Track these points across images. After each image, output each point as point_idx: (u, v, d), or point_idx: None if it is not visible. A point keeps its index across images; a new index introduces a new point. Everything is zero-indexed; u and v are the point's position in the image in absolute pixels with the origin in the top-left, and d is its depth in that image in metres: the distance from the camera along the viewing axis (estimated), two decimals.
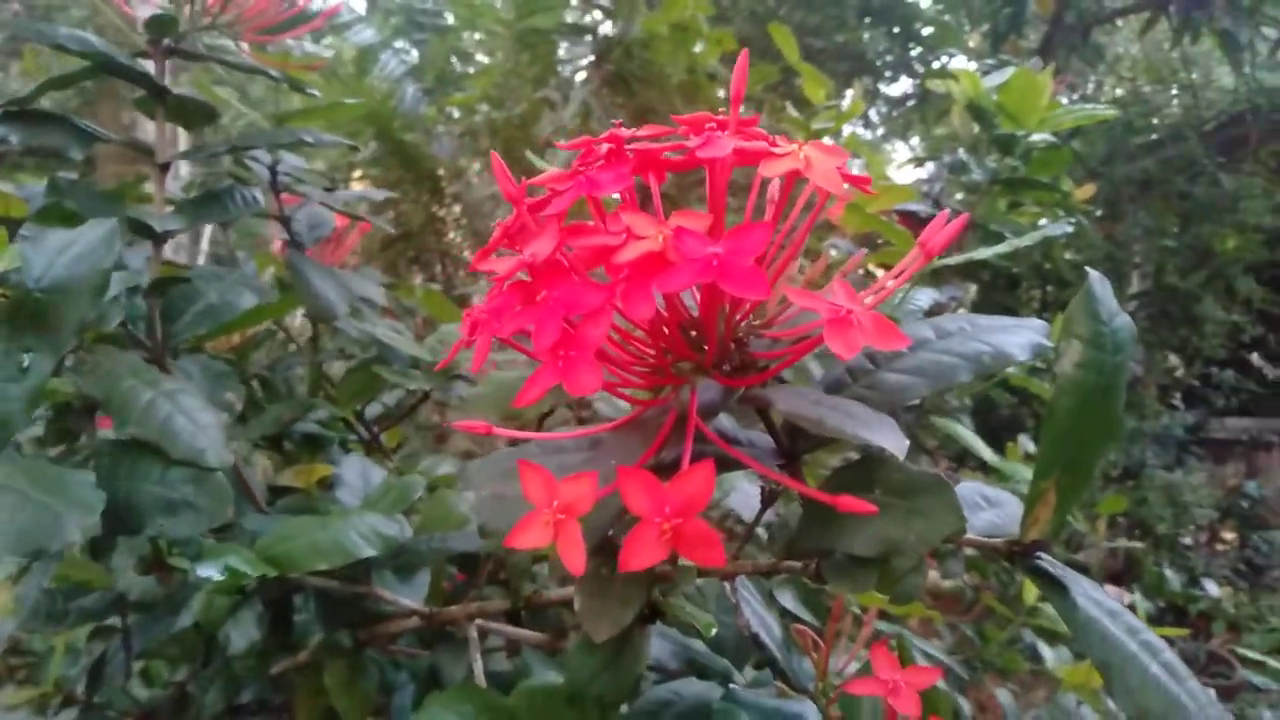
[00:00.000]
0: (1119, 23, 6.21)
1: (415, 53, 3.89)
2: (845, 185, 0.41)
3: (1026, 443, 2.10)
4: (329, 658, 0.89)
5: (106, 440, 0.66)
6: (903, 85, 6.87)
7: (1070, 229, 1.46)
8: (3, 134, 0.75)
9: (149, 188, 1.14)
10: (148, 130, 2.61)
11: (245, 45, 0.95)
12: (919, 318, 1.18)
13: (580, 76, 3.49)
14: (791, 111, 2.11)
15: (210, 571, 0.62)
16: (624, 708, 0.67)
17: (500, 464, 0.50)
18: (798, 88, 2.13)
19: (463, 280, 3.76)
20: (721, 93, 3.00)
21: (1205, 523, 5.01)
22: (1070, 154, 1.89)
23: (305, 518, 0.75)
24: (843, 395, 0.48)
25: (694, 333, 0.44)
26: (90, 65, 0.80)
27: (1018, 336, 0.50)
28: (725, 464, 0.46)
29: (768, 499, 0.56)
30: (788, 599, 0.83)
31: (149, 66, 0.87)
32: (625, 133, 0.42)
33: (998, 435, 2.38)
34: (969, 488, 0.58)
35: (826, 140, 2.06)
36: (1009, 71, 1.73)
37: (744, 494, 0.60)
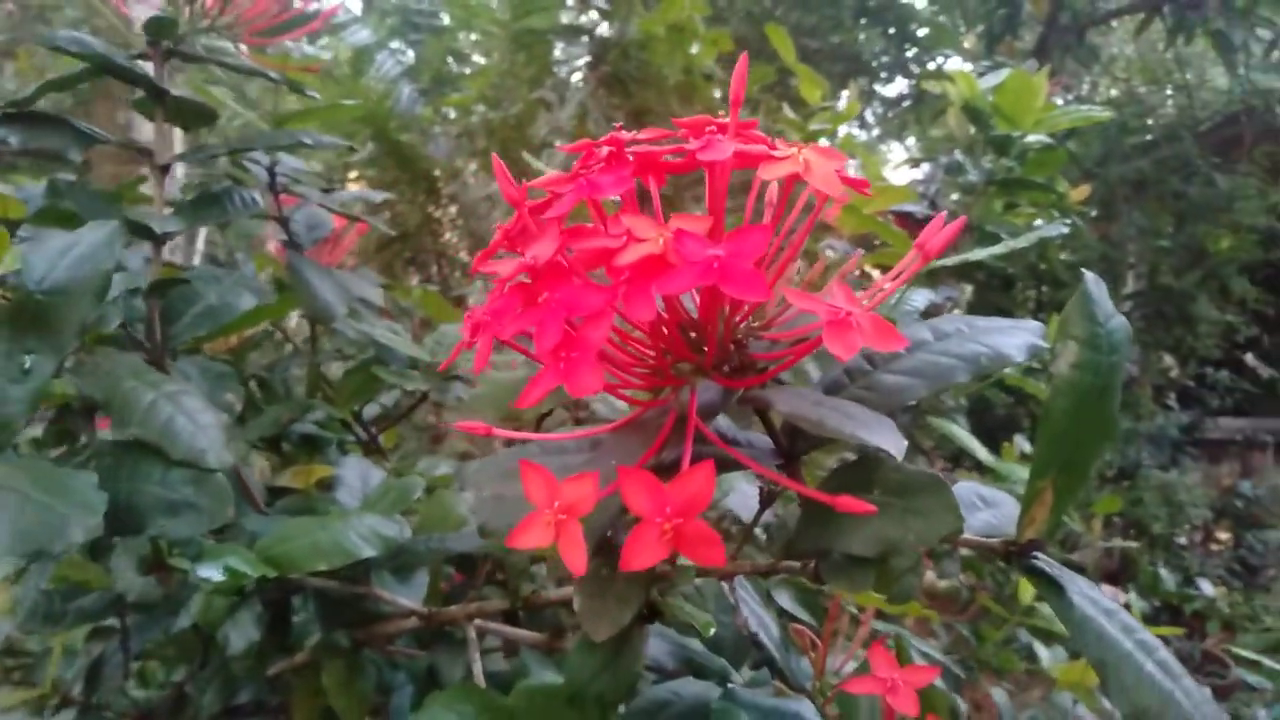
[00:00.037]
0: (1114, 24, 6.22)
1: (411, 53, 3.88)
2: (844, 188, 0.41)
3: (1022, 443, 2.11)
4: (327, 658, 0.89)
5: (107, 441, 0.66)
6: (898, 86, 6.88)
7: (1066, 230, 1.47)
8: (2, 135, 0.75)
9: (145, 189, 1.14)
10: (144, 130, 2.60)
11: (244, 47, 0.96)
12: (915, 318, 1.19)
13: (576, 77, 3.49)
14: (788, 112, 2.12)
15: (211, 572, 0.62)
16: (621, 708, 0.68)
17: (501, 465, 0.50)
18: (794, 88, 2.13)
19: (458, 281, 3.76)
20: (717, 93, 3.00)
21: (1200, 522, 5.03)
22: (1065, 155, 1.90)
23: (305, 518, 0.75)
24: (841, 396, 0.49)
25: (693, 334, 0.45)
26: (90, 67, 0.81)
27: (1015, 338, 0.51)
28: (724, 464, 0.46)
29: (766, 499, 0.56)
30: (785, 599, 0.84)
31: (148, 68, 0.87)
32: (626, 136, 0.43)
33: (993, 435, 2.38)
34: (966, 488, 0.59)
35: (823, 141, 2.07)
36: (1004, 73, 1.74)
37: (742, 494, 0.60)
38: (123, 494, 0.60)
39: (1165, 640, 0.52)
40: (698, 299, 0.44)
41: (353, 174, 3.38)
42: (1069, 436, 0.50)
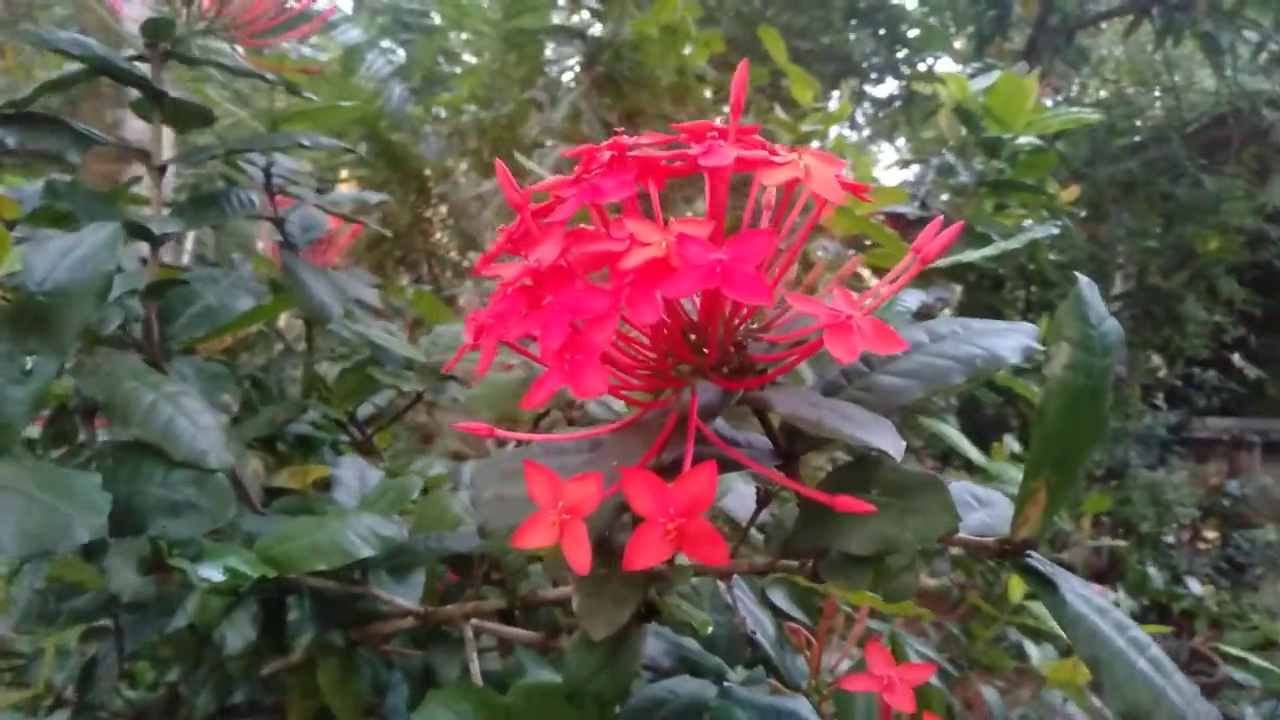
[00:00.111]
0: (1103, 25, 6.26)
1: (402, 52, 3.88)
2: (844, 193, 0.42)
3: (1011, 442, 2.12)
4: (322, 657, 0.89)
5: (108, 442, 0.66)
6: (888, 87, 6.90)
7: (1056, 231, 1.48)
8: (1, 136, 0.75)
9: (138, 189, 1.14)
10: (134, 129, 2.59)
11: (240, 49, 0.96)
12: (908, 319, 1.19)
13: (568, 77, 3.49)
14: (779, 113, 2.13)
15: (211, 572, 0.63)
16: (617, 706, 0.68)
17: (502, 465, 0.51)
18: (785, 89, 2.14)
19: (449, 281, 3.76)
20: (708, 93, 3.01)
21: (1187, 521, 5.06)
22: (1055, 156, 1.91)
23: (304, 518, 0.75)
24: (839, 397, 0.49)
25: (693, 336, 0.45)
26: (87, 68, 0.81)
27: (1010, 340, 0.51)
28: (724, 465, 0.46)
29: (763, 499, 0.57)
30: (779, 598, 0.84)
31: (145, 69, 0.87)
32: (628, 140, 0.43)
33: (983, 434, 2.39)
34: (960, 487, 0.59)
35: (815, 144, 2.07)
36: (995, 75, 1.75)
37: (740, 494, 0.61)
38: (124, 494, 0.61)
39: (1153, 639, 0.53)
40: (698, 302, 0.45)
41: (344, 174, 3.38)
42: (1062, 437, 0.50)
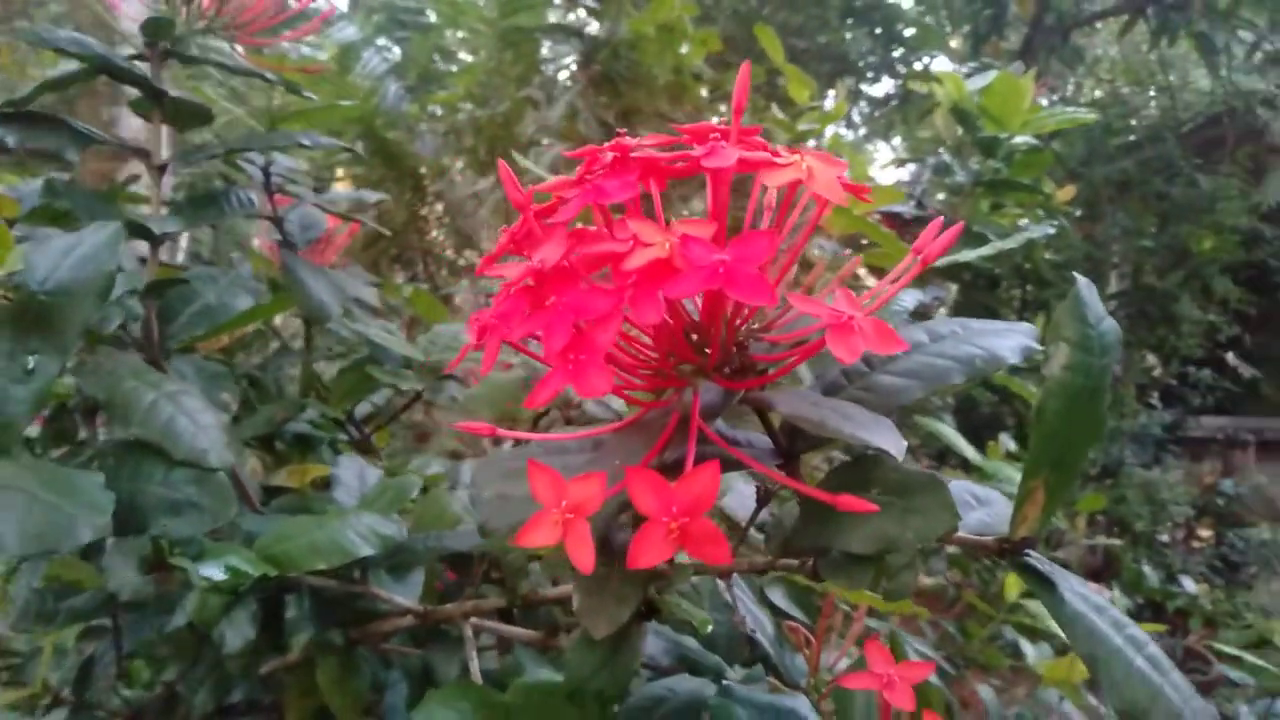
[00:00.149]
0: (1098, 25, 6.27)
1: (397, 50, 3.87)
2: (846, 195, 0.42)
3: (1007, 441, 2.13)
4: (321, 656, 0.89)
5: (109, 441, 0.66)
6: (884, 86, 6.91)
7: (1053, 231, 1.49)
8: (1, 135, 0.75)
9: (136, 187, 1.14)
10: (130, 127, 2.58)
11: (240, 48, 0.96)
12: (905, 318, 1.20)
13: (563, 76, 3.49)
14: (776, 112, 2.13)
15: (213, 571, 0.63)
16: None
17: (504, 464, 0.51)
18: (781, 88, 2.14)
19: (445, 279, 3.76)
20: (704, 92, 3.01)
21: (1182, 520, 5.07)
22: (1051, 156, 1.92)
23: (304, 517, 0.75)
24: (839, 397, 0.50)
25: (695, 336, 0.45)
26: (87, 68, 0.81)
27: (1009, 340, 0.51)
28: (725, 464, 0.47)
29: (763, 499, 0.57)
30: (778, 596, 0.84)
31: (144, 68, 0.87)
32: (630, 141, 0.43)
33: (979, 433, 2.40)
34: (959, 486, 0.60)
35: (810, 142, 2.08)
36: (992, 75, 1.75)
37: (739, 494, 0.61)
38: (125, 493, 0.61)
39: None
40: (699, 302, 0.45)
41: (339, 172, 3.38)
42: (1060, 436, 0.51)
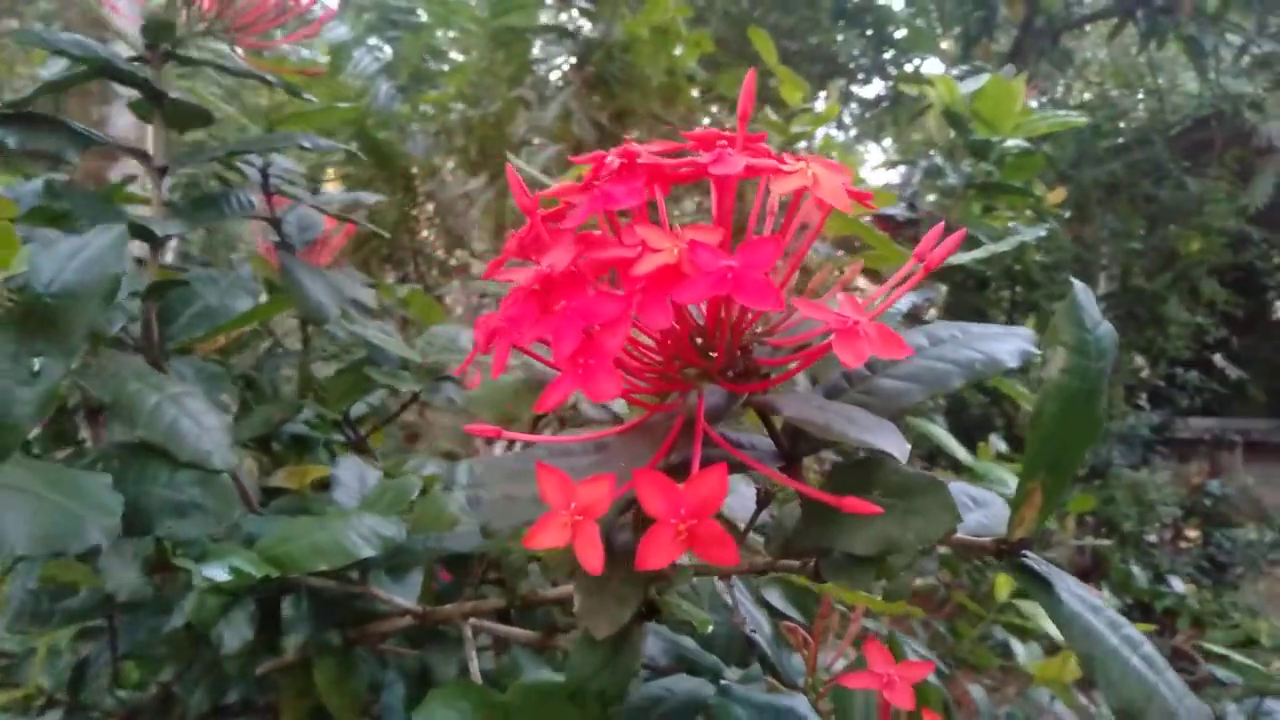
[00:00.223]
0: (1087, 28, 6.30)
1: (388, 50, 3.86)
2: (851, 202, 0.42)
3: (997, 442, 2.14)
4: (319, 656, 0.89)
5: (114, 443, 0.67)
6: (875, 87, 6.92)
7: (1044, 233, 1.50)
8: (1, 136, 0.75)
9: (133, 188, 1.14)
10: (119, 126, 2.57)
11: (240, 50, 0.96)
12: (898, 320, 1.21)
13: (555, 76, 3.49)
14: (769, 114, 2.13)
15: (217, 572, 0.63)
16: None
17: (509, 466, 0.51)
18: (773, 90, 2.15)
19: (435, 279, 3.75)
20: (695, 93, 3.02)
21: (1170, 521, 5.10)
22: (1043, 159, 1.93)
23: (305, 519, 0.75)
24: (841, 400, 0.50)
25: (699, 340, 0.46)
26: (88, 69, 0.81)
27: (1008, 344, 0.52)
28: (729, 467, 0.47)
29: (763, 500, 0.57)
30: (775, 597, 0.85)
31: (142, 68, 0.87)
32: (637, 147, 0.44)
33: (969, 434, 2.41)
34: (957, 488, 0.60)
35: (802, 144, 2.08)
36: (984, 78, 1.76)
37: (740, 495, 0.62)
38: (130, 495, 0.61)
39: None
40: (703, 307, 0.46)
41: (329, 172, 3.37)
42: (1057, 439, 0.51)
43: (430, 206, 3.75)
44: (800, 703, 0.67)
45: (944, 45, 6.39)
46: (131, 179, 1.13)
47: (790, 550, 0.53)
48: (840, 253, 1.93)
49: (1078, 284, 0.52)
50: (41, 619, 0.92)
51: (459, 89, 3.36)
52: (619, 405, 0.89)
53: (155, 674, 1.08)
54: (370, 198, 1.20)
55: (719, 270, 0.37)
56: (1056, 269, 4.97)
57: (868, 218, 1.80)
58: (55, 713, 1.07)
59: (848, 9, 6.27)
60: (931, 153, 2.10)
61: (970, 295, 4.75)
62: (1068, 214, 5.23)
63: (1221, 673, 2.06)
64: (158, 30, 0.83)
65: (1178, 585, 4.14)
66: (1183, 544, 5.22)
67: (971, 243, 1.72)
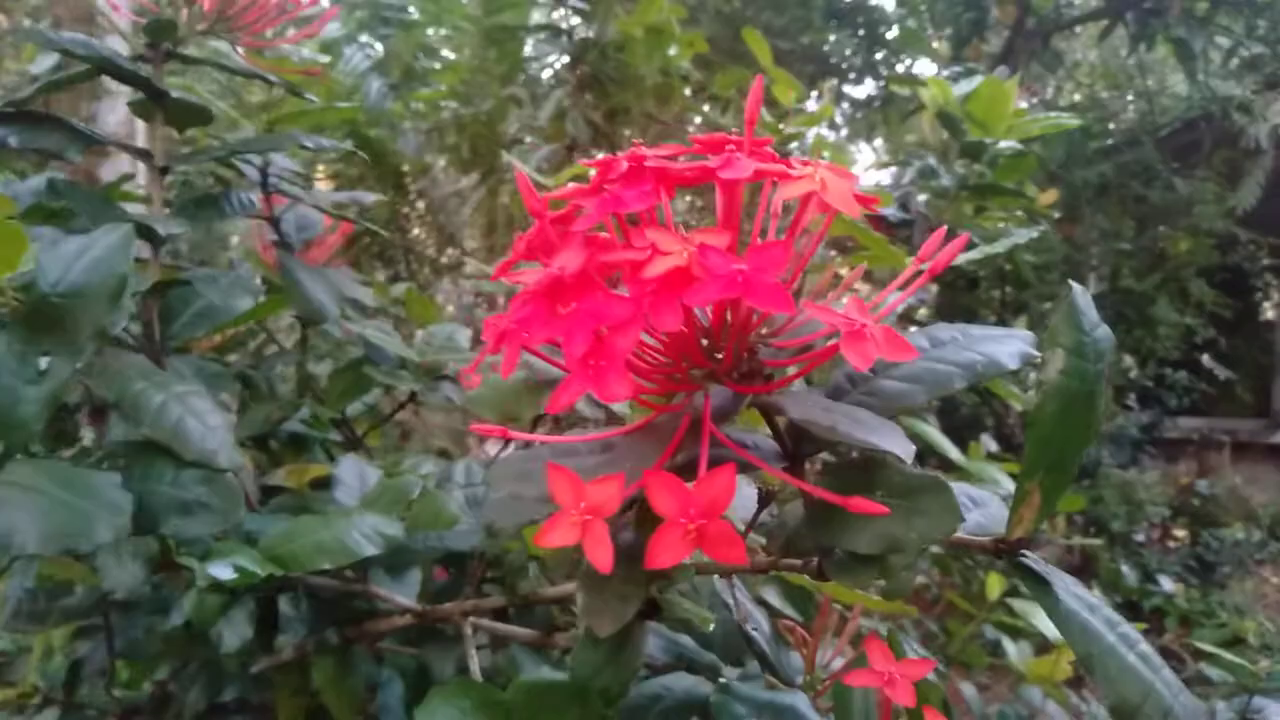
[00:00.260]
0: (1078, 29, 6.33)
1: (380, 47, 3.85)
2: (859, 206, 0.43)
3: (989, 442, 2.15)
4: (318, 655, 0.90)
5: (119, 442, 0.67)
6: (866, 87, 6.93)
7: (1037, 234, 1.50)
8: (2, 135, 0.75)
9: (130, 187, 1.14)
10: (109, 123, 2.57)
11: (241, 49, 0.96)
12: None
13: (547, 75, 3.49)
14: (763, 114, 2.14)
15: (222, 571, 0.63)
16: None
17: (516, 466, 0.52)
18: (767, 89, 2.15)
19: (426, 277, 3.75)
20: (687, 91, 3.02)
21: (1158, 520, 5.13)
22: (1035, 161, 1.94)
23: (308, 517, 0.76)
24: (844, 401, 0.51)
25: (706, 341, 0.46)
26: (90, 68, 0.81)
27: (1008, 346, 0.53)
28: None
29: (764, 500, 0.58)
30: (772, 595, 0.86)
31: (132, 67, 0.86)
32: (645, 151, 0.44)
33: (960, 433, 2.42)
34: (956, 488, 0.61)
35: (793, 145, 2.09)
36: (977, 80, 1.77)
37: (741, 495, 0.62)
38: (136, 494, 0.61)
39: None
40: (708, 309, 0.46)
41: (320, 170, 3.36)
42: (1056, 439, 0.52)
43: (421, 204, 3.75)
44: (800, 700, 0.67)
45: (935, 44, 6.41)
46: (129, 177, 1.12)
47: (793, 549, 0.54)
48: (833, 253, 1.94)
49: (1076, 287, 0.53)
50: (39, 617, 0.93)
51: (451, 87, 3.36)
52: (616, 405, 0.89)
53: (148, 673, 1.08)
54: (369, 197, 1.20)
55: (730, 274, 0.38)
56: (1047, 269, 4.99)
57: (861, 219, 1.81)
58: (51, 711, 1.07)
59: (840, 9, 6.28)
60: (924, 153, 2.11)
61: (961, 295, 4.76)
62: (1057, 214, 5.25)
63: (1213, 672, 2.07)
64: (159, 29, 0.83)
65: (1166, 585, 4.17)
66: (1171, 543, 5.26)
67: (966, 244, 1.73)
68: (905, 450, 0.42)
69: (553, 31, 3.14)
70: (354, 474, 0.90)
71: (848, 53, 6.64)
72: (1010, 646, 1.78)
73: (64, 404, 0.81)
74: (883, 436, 0.42)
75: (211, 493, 0.64)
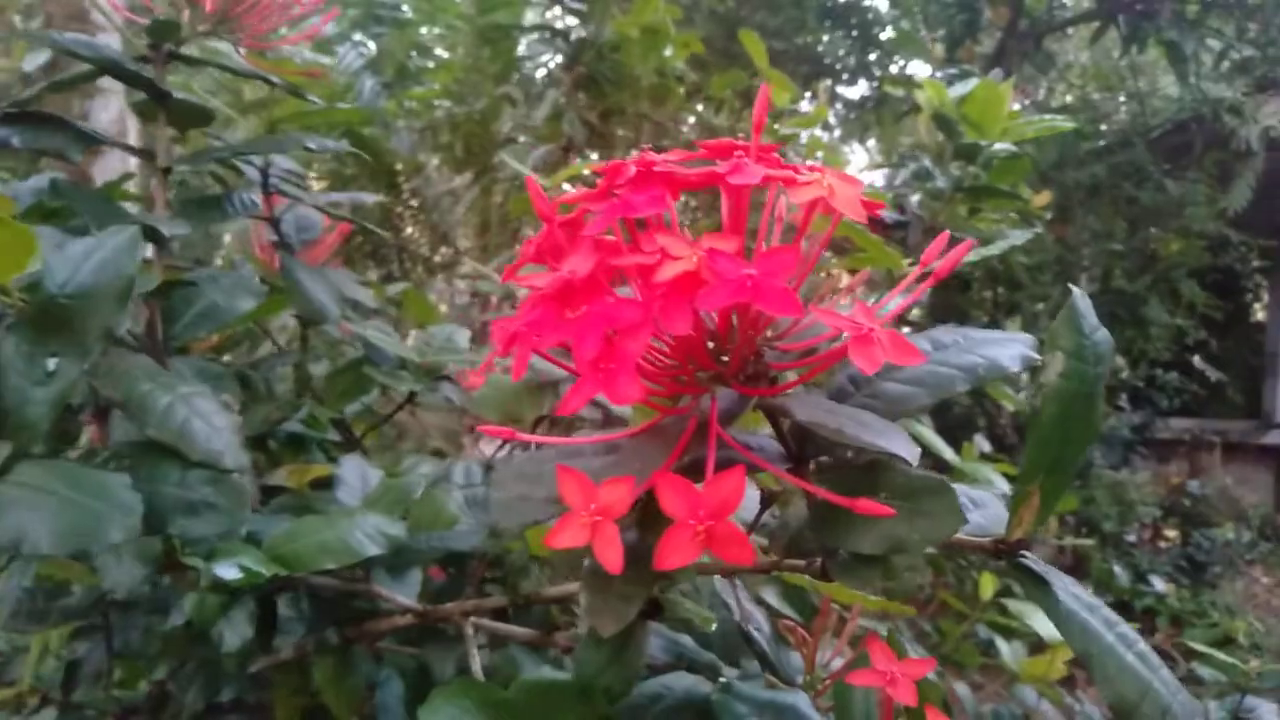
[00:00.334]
0: (1070, 31, 6.35)
1: (373, 45, 3.84)
2: (865, 212, 0.44)
3: (981, 442, 2.15)
4: (318, 654, 0.90)
5: (124, 443, 0.67)
6: (860, 88, 6.95)
7: (1031, 236, 1.52)
8: (5, 135, 0.76)
9: (129, 187, 1.14)
10: (101, 121, 2.56)
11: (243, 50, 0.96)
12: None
13: (541, 74, 3.49)
14: None
15: (227, 571, 0.64)
16: None
17: (522, 467, 0.52)
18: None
19: (420, 276, 3.75)
20: (682, 91, 3.02)
21: (1149, 521, 5.15)
22: (1030, 163, 1.95)
23: (311, 518, 0.76)
24: (848, 403, 0.51)
25: (712, 344, 0.47)
26: (94, 69, 0.81)
27: (1009, 349, 0.53)
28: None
29: (766, 501, 0.58)
30: (771, 596, 0.86)
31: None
32: (655, 156, 0.45)
33: (953, 434, 2.43)
34: (957, 490, 0.61)
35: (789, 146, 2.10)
36: (972, 82, 1.78)
37: (745, 497, 0.63)
38: (143, 494, 0.61)
39: None
40: (714, 313, 0.47)
41: (313, 168, 3.36)
42: (1055, 441, 0.53)
43: (415, 203, 3.74)
44: (801, 699, 0.68)
45: (929, 47, 6.42)
46: (130, 177, 1.13)
47: (797, 550, 0.55)
48: (829, 255, 1.95)
49: (1076, 290, 0.53)
50: (38, 617, 0.93)
51: (444, 86, 3.35)
52: (617, 406, 0.90)
53: (145, 673, 1.08)
54: (369, 198, 1.20)
55: (740, 278, 0.38)
56: (1039, 270, 5.01)
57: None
58: (49, 711, 1.07)
59: (834, 10, 6.30)
60: (919, 155, 2.12)
61: (953, 296, 4.78)
62: (1049, 215, 5.27)
63: (1205, 671, 2.08)
64: (162, 30, 0.83)
65: (1158, 585, 4.19)
66: (1162, 544, 5.28)
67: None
68: (911, 453, 0.42)
69: (548, 31, 3.15)
70: (356, 474, 0.91)
71: (841, 53, 6.65)
72: (1004, 646, 1.78)
73: (68, 404, 0.81)
74: (889, 439, 0.43)
75: (218, 493, 0.64)
